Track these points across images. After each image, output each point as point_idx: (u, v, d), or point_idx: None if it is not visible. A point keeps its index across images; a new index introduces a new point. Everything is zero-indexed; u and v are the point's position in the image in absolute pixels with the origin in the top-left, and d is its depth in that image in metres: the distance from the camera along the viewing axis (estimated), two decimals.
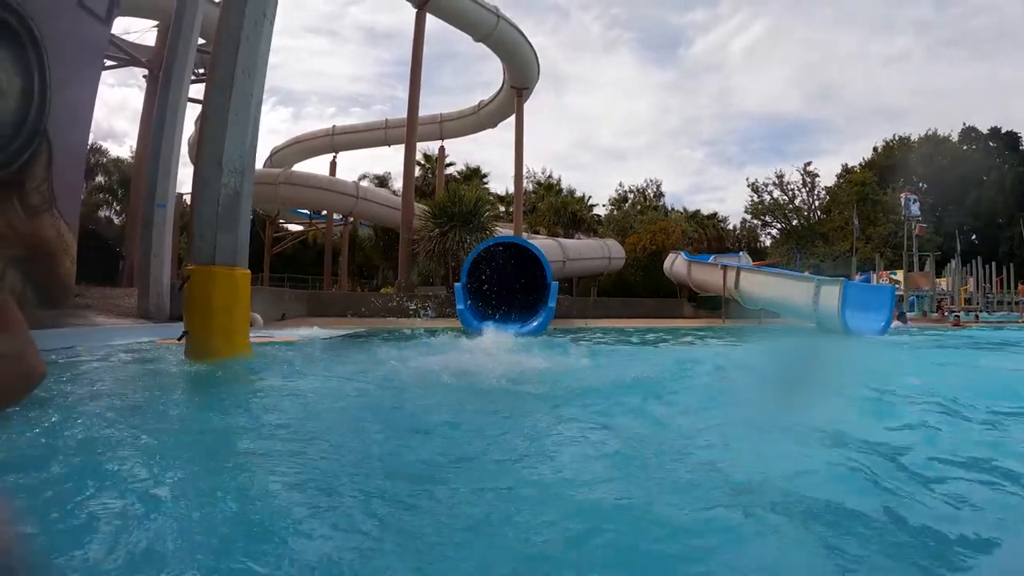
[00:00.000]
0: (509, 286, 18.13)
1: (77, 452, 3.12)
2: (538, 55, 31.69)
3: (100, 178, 42.07)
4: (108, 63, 21.71)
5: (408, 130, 25.73)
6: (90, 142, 55.90)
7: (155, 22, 22.16)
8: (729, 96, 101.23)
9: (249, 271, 7.93)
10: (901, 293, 35.38)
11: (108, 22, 14.27)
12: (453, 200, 25.20)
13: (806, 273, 23.41)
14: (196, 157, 8.60)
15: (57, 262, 13.00)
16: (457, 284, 16.55)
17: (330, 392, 5.16)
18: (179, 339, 7.50)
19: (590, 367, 7.73)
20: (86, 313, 12.64)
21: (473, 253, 17.07)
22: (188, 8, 13.75)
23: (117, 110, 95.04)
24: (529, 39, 30.67)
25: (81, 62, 13.50)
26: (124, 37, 22.90)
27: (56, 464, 2.88)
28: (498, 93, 35.14)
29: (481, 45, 29.68)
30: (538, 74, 32.39)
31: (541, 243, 29.21)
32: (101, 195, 41.56)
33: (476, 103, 37.76)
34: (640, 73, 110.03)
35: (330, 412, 4.33)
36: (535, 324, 15.06)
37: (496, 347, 7.75)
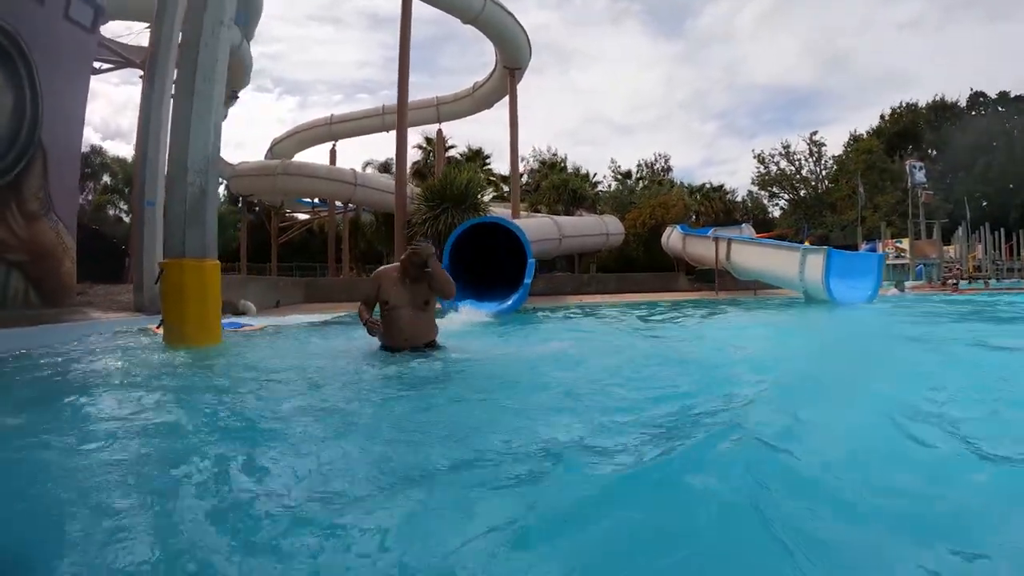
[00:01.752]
0: (500, 266, 18.48)
1: None
2: (533, 33, 31.59)
3: (106, 178, 42.76)
4: (103, 66, 22.44)
5: (399, 115, 26.09)
6: (95, 143, 56.77)
7: (147, 24, 22.82)
8: (739, 67, 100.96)
9: (218, 262, 8.61)
10: (905, 261, 35.68)
11: (94, 31, 14.93)
12: (445, 183, 25.63)
13: (806, 244, 23.66)
14: (167, 159, 9.34)
15: (58, 263, 13.78)
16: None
17: (253, 381, 5.19)
18: (156, 327, 8.25)
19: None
20: (85, 310, 13.38)
21: (453, 235, 17.40)
22: (169, 9, 14.27)
23: (121, 109, 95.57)
24: (519, 19, 30.74)
25: (70, 71, 14.15)
26: (120, 39, 23.62)
27: None
28: (492, 74, 35.27)
29: None
30: (530, 54, 32.47)
31: (535, 222, 29.60)
32: (108, 195, 42.21)
33: (471, 85, 37.96)
34: (648, 46, 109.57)
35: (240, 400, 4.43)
36: (509, 303, 15.30)
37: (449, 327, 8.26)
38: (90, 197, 42.56)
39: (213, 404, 4.18)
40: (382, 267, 6.74)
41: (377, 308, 6.45)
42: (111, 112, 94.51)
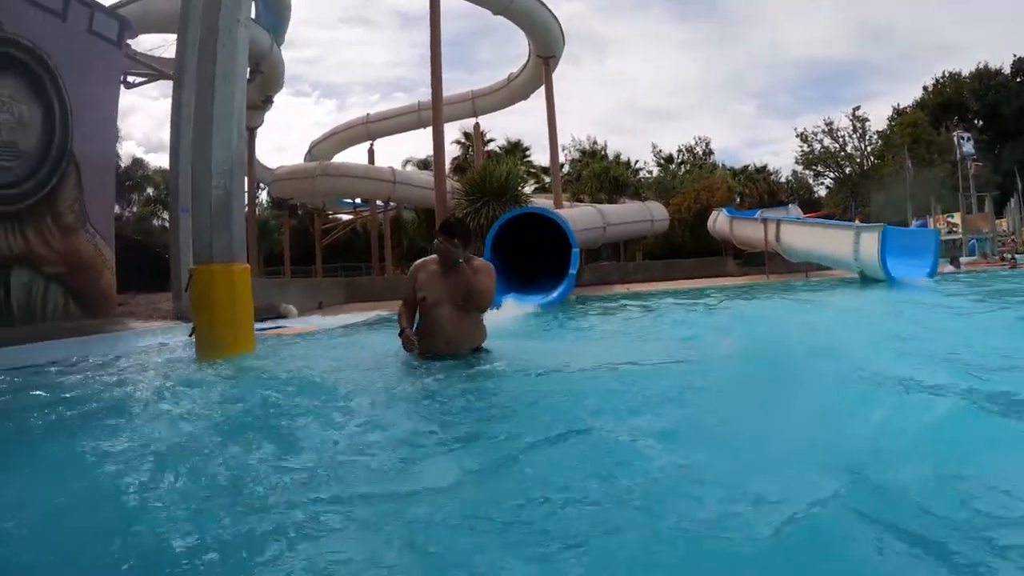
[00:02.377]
0: (543, 256, 18.16)
1: None
2: (566, 22, 31.27)
3: (149, 190, 43.37)
4: (138, 79, 22.57)
5: (434, 110, 25.89)
6: (138, 155, 57.76)
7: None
8: (775, 44, 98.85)
9: (248, 266, 8.43)
10: (957, 236, 34.63)
11: (120, 44, 14.92)
12: (485, 176, 25.42)
13: (857, 222, 23.03)
14: (191, 163, 9.21)
15: (97, 275, 13.80)
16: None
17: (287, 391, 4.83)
18: (189, 335, 8.11)
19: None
20: (125, 320, 13.41)
21: (494, 228, 17.19)
22: (192, 15, 14.19)
23: (163, 122, 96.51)
24: (550, 7, 30.28)
25: (99, 84, 14.18)
26: (154, 52, 23.74)
27: None
28: (526, 64, 34.86)
29: None
30: (563, 42, 31.91)
31: (578, 211, 29.19)
32: (151, 206, 42.82)
33: (506, 76, 37.59)
34: (681, 29, 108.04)
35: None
36: (554, 295, 15.06)
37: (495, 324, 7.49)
38: (134, 209, 43.16)
39: (209, 432, 3.67)
40: (422, 259, 5.67)
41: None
42: (153, 126, 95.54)
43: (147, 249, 32.58)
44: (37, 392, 5.33)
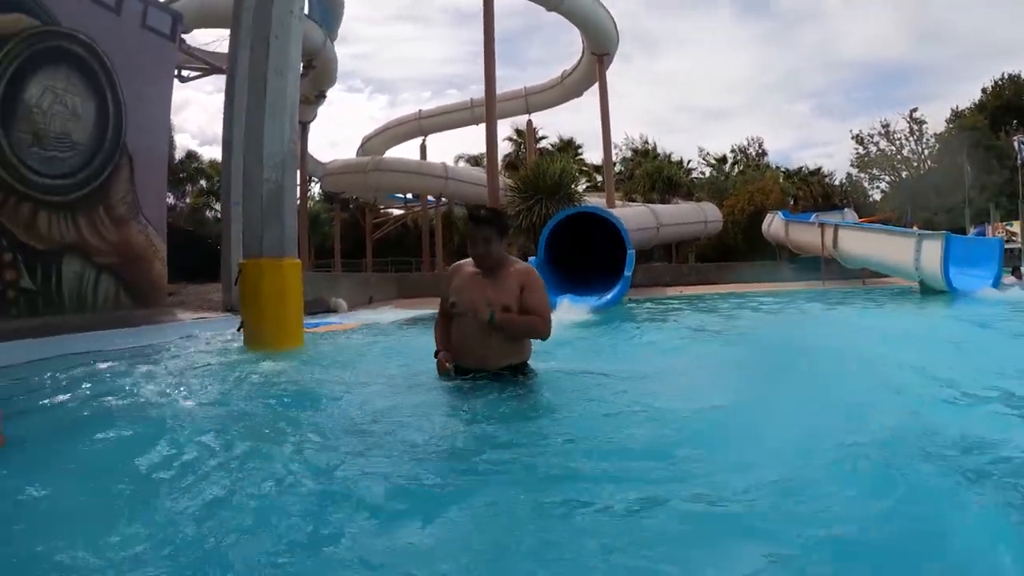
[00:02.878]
0: (595, 256, 17.91)
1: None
2: (618, 19, 30.82)
3: (202, 182, 43.89)
4: (192, 74, 22.76)
5: (487, 107, 25.80)
6: (192, 148, 58.65)
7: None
8: (830, 44, 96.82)
9: (299, 261, 8.31)
10: (1017, 245, 33.49)
11: (174, 38, 14.96)
12: (538, 172, 25.21)
13: (915, 228, 22.42)
14: (243, 156, 9.13)
15: (148, 265, 13.85)
16: (531, 258, 16.27)
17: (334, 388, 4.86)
18: (237, 330, 8.01)
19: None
20: (174, 310, 13.45)
21: (547, 227, 16.97)
22: (245, 11, 14.19)
23: (216, 115, 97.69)
24: (604, 4, 30.03)
25: (152, 78, 14.21)
26: (208, 48, 23.93)
27: None
28: (579, 61, 34.49)
29: None
30: (617, 39, 31.49)
31: (632, 211, 28.86)
32: (204, 197, 43.35)
33: (559, 74, 37.26)
34: (735, 28, 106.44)
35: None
36: (609, 297, 14.74)
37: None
38: (187, 200, 43.74)
39: (244, 430, 3.62)
40: (460, 260, 4.74)
41: None
42: (207, 119, 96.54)
43: (199, 240, 32.97)
44: (82, 381, 5.31)
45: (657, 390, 4.53)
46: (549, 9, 28.43)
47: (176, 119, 50.53)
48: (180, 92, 39.65)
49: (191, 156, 44.11)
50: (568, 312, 11.32)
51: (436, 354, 4.51)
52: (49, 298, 11.32)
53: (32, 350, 7.54)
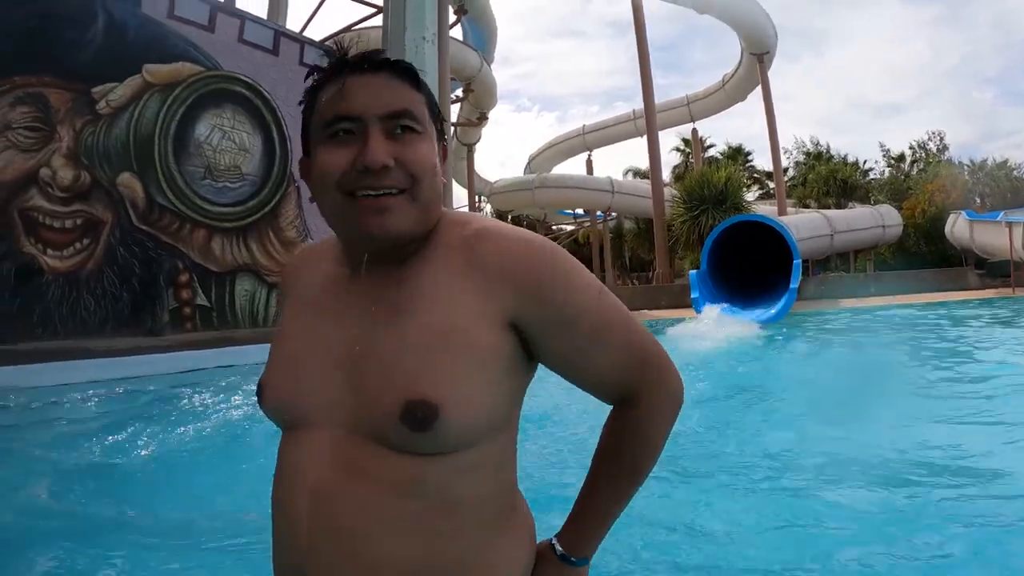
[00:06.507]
0: (759, 267, 17.42)
1: None
2: (778, 15, 30.20)
3: None
4: None
5: (647, 117, 25.89)
6: None
7: None
8: (1011, 19, 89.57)
9: None
10: None
11: None
12: (702, 182, 24.97)
13: None
14: None
15: None
16: (692, 272, 15.88)
17: None
18: None
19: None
20: None
21: (710, 238, 16.73)
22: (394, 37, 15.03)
23: None
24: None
25: None
26: None
27: None
28: (739, 64, 33.68)
29: None
30: (775, 36, 30.55)
31: (802, 218, 27.21)
32: None
33: (720, 78, 36.62)
34: (902, 14, 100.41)
35: None
36: (775, 311, 13.85)
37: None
38: None
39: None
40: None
41: None
42: None
43: None
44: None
45: None
46: (700, 12, 28.10)
47: None
48: None
49: None
50: (729, 325, 10.78)
51: None
52: (223, 313, 12.55)
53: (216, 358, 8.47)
